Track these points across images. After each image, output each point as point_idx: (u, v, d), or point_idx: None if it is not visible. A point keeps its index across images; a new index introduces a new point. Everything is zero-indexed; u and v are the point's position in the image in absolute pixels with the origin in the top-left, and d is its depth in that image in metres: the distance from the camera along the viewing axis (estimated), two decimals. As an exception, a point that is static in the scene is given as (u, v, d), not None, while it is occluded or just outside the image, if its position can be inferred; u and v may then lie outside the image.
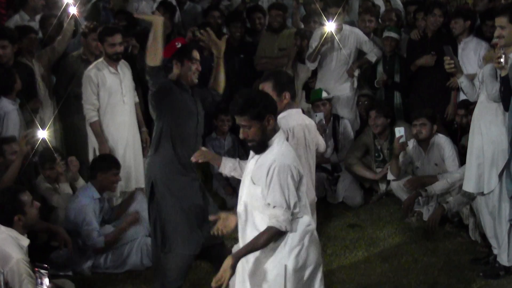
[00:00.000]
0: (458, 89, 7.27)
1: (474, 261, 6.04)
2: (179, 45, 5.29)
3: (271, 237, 3.94)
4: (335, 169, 7.85)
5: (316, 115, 6.68)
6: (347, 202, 7.51)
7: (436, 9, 7.63)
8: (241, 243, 4.18)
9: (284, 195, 3.89)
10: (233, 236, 4.51)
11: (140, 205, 6.34)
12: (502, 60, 5.21)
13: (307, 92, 8.15)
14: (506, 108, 5.39)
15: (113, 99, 6.76)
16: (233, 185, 7.70)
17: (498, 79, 5.35)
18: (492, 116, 5.55)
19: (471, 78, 5.94)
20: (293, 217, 3.95)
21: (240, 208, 4.15)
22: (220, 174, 7.64)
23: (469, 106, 6.74)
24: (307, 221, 4.05)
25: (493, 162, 5.58)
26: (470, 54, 7.43)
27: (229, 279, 3.92)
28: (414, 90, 7.90)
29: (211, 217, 4.37)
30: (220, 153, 7.70)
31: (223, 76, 5.55)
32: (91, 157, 6.90)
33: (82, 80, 6.79)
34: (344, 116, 7.95)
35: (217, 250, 5.34)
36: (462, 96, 7.03)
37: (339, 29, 7.77)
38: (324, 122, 7.07)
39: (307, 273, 4.07)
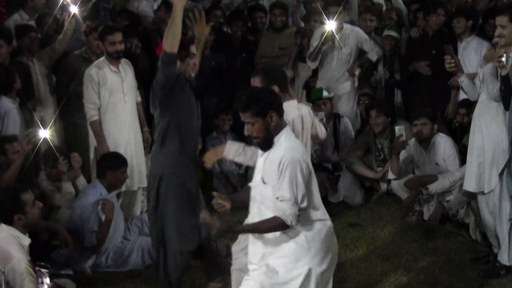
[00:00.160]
0: (458, 88, 7.29)
1: (475, 260, 6.03)
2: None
3: (275, 227, 3.94)
4: (335, 168, 7.85)
5: (317, 114, 6.67)
6: (347, 201, 7.51)
7: (440, 9, 7.64)
8: (253, 243, 4.17)
9: (292, 189, 3.88)
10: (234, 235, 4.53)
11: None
12: (503, 59, 5.21)
13: (308, 91, 8.16)
14: (506, 107, 5.39)
15: (114, 98, 6.75)
16: (233, 184, 7.72)
17: (499, 78, 5.36)
18: (493, 115, 5.56)
19: (472, 77, 5.94)
20: (301, 213, 3.94)
21: (253, 209, 4.14)
22: (221, 173, 7.76)
23: (470, 105, 6.74)
24: (322, 218, 4.06)
25: (493, 161, 5.58)
26: (471, 54, 7.43)
27: (216, 227, 3.95)
28: (414, 89, 7.90)
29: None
30: (221, 152, 7.72)
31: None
32: (92, 156, 6.91)
33: (83, 79, 6.80)
34: (344, 115, 7.95)
35: (208, 250, 5.44)
36: (462, 95, 7.04)
37: (340, 28, 7.77)
38: (325, 121, 7.08)
39: (327, 274, 4.10)
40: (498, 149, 5.55)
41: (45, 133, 6.22)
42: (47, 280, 4.38)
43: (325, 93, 7.70)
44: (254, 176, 4.16)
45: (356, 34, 7.97)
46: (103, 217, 6.13)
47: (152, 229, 5.44)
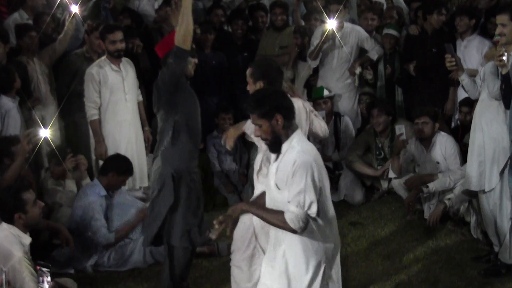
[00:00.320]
0: (456, 85, 7.30)
1: (476, 259, 6.04)
2: None
3: (280, 224, 3.92)
4: (336, 167, 7.85)
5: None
6: (348, 200, 7.51)
7: (443, 8, 7.64)
8: (267, 247, 4.18)
9: (300, 194, 3.85)
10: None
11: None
12: (504, 58, 5.21)
13: (309, 90, 8.16)
14: (507, 106, 5.39)
15: (114, 97, 6.76)
16: (234, 183, 7.72)
17: (499, 77, 5.35)
18: (494, 114, 5.56)
19: (473, 73, 5.93)
20: (308, 219, 3.90)
21: None
22: (221, 172, 7.76)
23: (472, 104, 6.74)
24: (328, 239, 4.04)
25: (494, 160, 5.58)
26: (473, 52, 7.42)
27: (232, 221, 4.01)
28: (415, 87, 7.90)
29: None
30: (221, 152, 7.74)
31: None
32: (93, 155, 6.91)
33: (84, 78, 6.80)
34: (345, 114, 7.95)
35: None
36: (462, 93, 7.02)
37: (340, 27, 7.77)
38: (325, 120, 7.08)
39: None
40: (499, 148, 5.55)
41: (45, 133, 6.23)
42: (48, 279, 4.38)
43: (326, 92, 7.71)
44: (267, 182, 4.13)
45: (357, 32, 7.97)
46: (125, 218, 6.19)
47: (153, 227, 5.37)
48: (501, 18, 5.38)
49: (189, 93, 5.26)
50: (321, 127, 5.16)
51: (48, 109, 7.34)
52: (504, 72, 5.26)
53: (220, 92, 8.20)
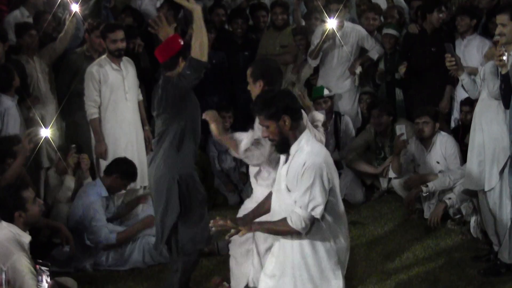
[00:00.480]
0: (453, 84, 7.31)
1: (476, 258, 6.03)
2: (182, 42, 5.27)
3: (285, 232, 3.94)
4: (336, 166, 7.80)
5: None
6: (348, 200, 7.50)
7: (444, 7, 7.64)
8: (277, 251, 4.16)
9: (306, 195, 3.86)
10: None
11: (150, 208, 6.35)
12: (504, 57, 5.21)
13: (309, 89, 8.15)
14: (506, 106, 5.39)
15: (115, 96, 6.77)
16: (234, 182, 7.72)
17: (499, 76, 5.35)
18: (493, 114, 5.56)
19: (473, 72, 5.93)
20: (313, 220, 3.89)
21: (274, 218, 4.10)
22: (221, 171, 7.75)
23: (473, 103, 6.74)
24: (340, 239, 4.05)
25: (493, 160, 5.58)
26: (473, 52, 7.43)
27: (236, 230, 3.98)
28: (414, 87, 7.90)
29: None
30: (222, 151, 7.74)
31: None
32: (94, 154, 6.91)
33: (84, 77, 6.80)
34: (345, 113, 7.95)
35: None
36: (461, 93, 7.01)
37: (341, 26, 7.77)
38: (325, 120, 7.08)
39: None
40: (499, 147, 5.55)
41: (46, 132, 6.24)
42: (47, 278, 4.39)
43: (326, 92, 7.71)
44: (276, 184, 4.12)
45: (357, 32, 7.98)
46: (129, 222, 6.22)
47: (164, 230, 5.32)
48: (501, 18, 5.38)
49: (193, 96, 5.26)
50: (317, 136, 5.15)
51: (48, 108, 7.34)
52: (503, 72, 5.26)
53: (220, 91, 8.20)
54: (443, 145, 6.88)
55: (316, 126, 5.10)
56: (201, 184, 5.39)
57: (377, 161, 7.56)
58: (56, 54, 7.45)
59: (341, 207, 4.10)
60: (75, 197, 6.36)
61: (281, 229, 3.97)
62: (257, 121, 4.58)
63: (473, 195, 6.09)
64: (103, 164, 6.70)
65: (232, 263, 5.16)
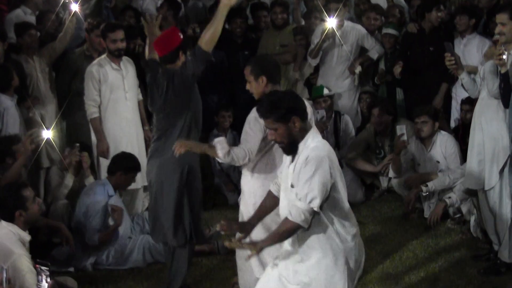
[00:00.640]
0: (449, 81, 7.30)
1: (475, 257, 6.03)
2: (181, 36, 5.29)
3: (288, 230, 3.88)
4: (336, 166, 7.83)
5: (317, 112, 6.70)
6: (348, 199, 7.47)
7: (442, 6, 7.64)
8: (285, 251, 4.14)
9: (304, 187, 3.81)
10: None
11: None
12: (503, 57, 5.21)
13: (309, 88, 8.16)
14: (505, 105, 5.39)
15: (115, 95, 6.77)
16: (234, 181, 7.72)
17: (498, 76, 5.35)
18: (493, 113, 5.56)
19: (473, 70, 5.93)
20: (313, 213, 3.85)
21: (282, 216, 4.06)
22: (221, 171, 7.75)
23: (473, 102, 6.75)
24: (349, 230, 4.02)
25: (493, 159, 5.58)
26: (473, 51, 7.43)
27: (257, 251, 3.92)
28: (413, 87, 7.89)
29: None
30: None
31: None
32: (94, 154, 6.92)
33: (84, 76, 6.81)
34: (345, 113, 7.95)
35: None
36: (461, 92, 7.01)
37: (340, 25, 7.77)
38: (325, 119, 7.09)
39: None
40: (498, 147, 5.55)
41: (48, 134, 6.26)
42: (47, 278, 4.38)
43: (326, 91, 7.70)
44: (284, 183, 4.08)
45: (357, 31, 7.98)
46: (110, 221, 6.15)
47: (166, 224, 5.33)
48: (501, 17, 5.39)
49: (196, 88, 5.29)
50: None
51: (48, 107, 7.34)
52: (503, 71, 5.26)
53: (220, 91, 8.21)
54: (443, 145, 6.88)
55: None
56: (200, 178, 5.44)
57: (377, 160, 7.56)
58: (56, 53, 7.46)
59: (346, 204, 4.06)
60: (82, 195, 6.32)
61: (284, 230, 3.90)
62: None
63: (473, 194, 6.09)
64: (104, 163, 6.70)
65: (239, 262, 5.10)
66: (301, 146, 3.94)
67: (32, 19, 8.03)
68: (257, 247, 3.94)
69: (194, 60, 5.02)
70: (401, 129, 6.88)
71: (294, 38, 8.12)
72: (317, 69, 8.14)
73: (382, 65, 8.08)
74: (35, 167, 6.81)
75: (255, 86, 4.76)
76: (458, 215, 6.66)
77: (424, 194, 6.81)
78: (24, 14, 8.16)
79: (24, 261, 4.43)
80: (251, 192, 4.84)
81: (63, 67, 7.49)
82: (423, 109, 6.93)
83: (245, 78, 4.84)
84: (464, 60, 6.87)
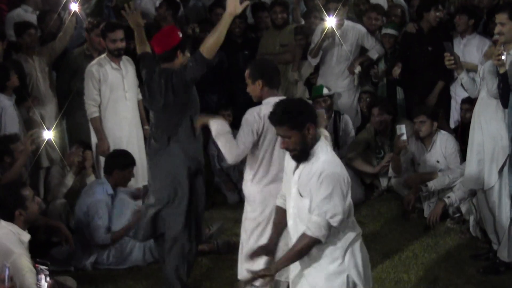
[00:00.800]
0: (446, 80, 7.30)
1: (475, 257, 6.04)
2: (180, 35, 5.29)
3: (306, 246, 3.84)
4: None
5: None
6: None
7: (441, 6, 7.65)
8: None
9: (324, 203, 3.77)
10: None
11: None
12: (503, 57, 5.22)
13: (309, 88, 8.16)
14: (504, 105, 5.39)
15: (114, 95, 6.78)
16: (233, 181, 7.72)
17: (497, 76, 5.36)
18: (493, 112, 5.56)
19: (473, 69, 5.93)
20: (331, 229, 3.82)
21: (289, 222, 4.05)
22: (221, 170, 7.75)
23: (473, 101, 6.75)
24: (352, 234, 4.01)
25: (493, 158, 5.59)
26: (473, 51, 7.44)
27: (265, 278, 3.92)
28: (413, 86, 7.89)
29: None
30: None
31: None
32: (94, 153, 6.92)
33: (84, 76, 6.81)
34: (345, 112, 7.95)
35: None
36: (460, 92, 7.01)
37: (340, 25, 7.77)
38: (325, 119, 7.08)
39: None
40: (498, 146, 5.56)
41: (49, 134, 6.27)
42: (47, 278, 4.39)
43: (325, 91, 7.69)
44: (288, 188, 4.06)
45: (357, 31, 7.97)
46: (123, 219, 6.18)
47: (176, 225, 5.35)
48: (500, 17, 5.39)
49: (194, 90, 5.31)
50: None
51: (48, 107, 7.34)
52: (502, 71, 5.26)
53: (219, 91, 8.21)
54: (443, 144, 6.88)
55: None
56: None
57: (377, 160, 7.56)
58: (55, 53, 7.46)
59: (352, 213, 4.02)
60: (82, 194, 6.34)
61: (302, 246, 3.84)
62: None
63: (473, 193, 6.10)
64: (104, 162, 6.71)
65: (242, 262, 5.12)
66: (310, 153, 3.89)
67: (33, 17, 8.03)
68: (272, 270, 3.92)
69: (195, 66, 5.01)
70: (401, 129, 6.88)
71: (294, 37, 8.12)
72: (317, 68, 8.14)
73: (382, 65, 8.07)
74: (34, 166, 6.81)
75: (253, 89, 4.80)
76: (457, 215, 6.66)
77: (423, 194, 6.81)
78: (25, 12, 8.15)
79: (24, 261, 4.43)
80: (251, 195, 4.89)
81: (63, 66, 7.50)
82: (421, 109, 6.94)
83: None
84: (464, 60, 6.87)
